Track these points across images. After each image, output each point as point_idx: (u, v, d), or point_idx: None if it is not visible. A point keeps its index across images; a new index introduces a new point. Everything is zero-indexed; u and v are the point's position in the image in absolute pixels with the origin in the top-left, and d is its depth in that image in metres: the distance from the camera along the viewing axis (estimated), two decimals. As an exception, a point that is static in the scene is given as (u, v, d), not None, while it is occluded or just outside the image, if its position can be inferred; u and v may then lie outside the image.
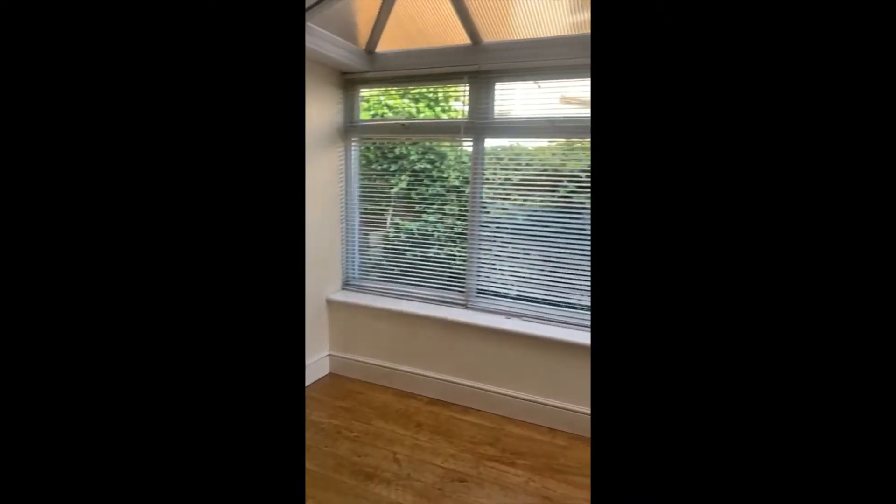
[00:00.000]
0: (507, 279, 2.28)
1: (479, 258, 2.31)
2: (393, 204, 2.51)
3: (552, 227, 2.13)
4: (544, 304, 2.20)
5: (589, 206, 2.06)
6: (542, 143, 2.19)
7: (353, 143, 2.51)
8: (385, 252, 2.57)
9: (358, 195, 2.56)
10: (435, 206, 2.39)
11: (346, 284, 2.64)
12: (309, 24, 1.92)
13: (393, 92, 2.48)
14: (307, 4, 1.81)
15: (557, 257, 2.14)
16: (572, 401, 2.08)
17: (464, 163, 2.30)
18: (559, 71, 2.03)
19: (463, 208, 2.31)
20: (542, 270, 2.19)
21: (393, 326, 2.43)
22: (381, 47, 2.28)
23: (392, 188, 2.49)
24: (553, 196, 2.13)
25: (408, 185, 2.45)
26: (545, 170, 2.15)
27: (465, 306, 2.35)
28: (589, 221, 2.06)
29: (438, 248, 2.42)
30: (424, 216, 2.43)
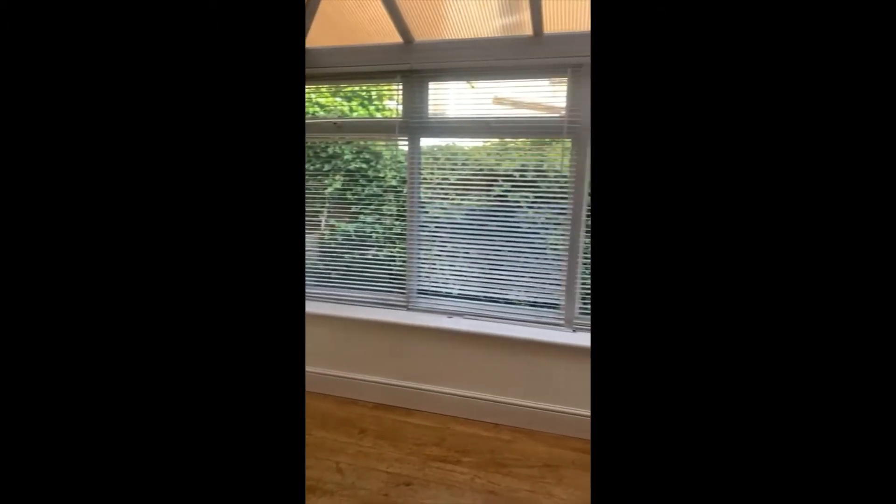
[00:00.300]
0: (448, 278, 2.29)
1: (420, 258, 2.30)
2: (328, 205, 2.42)
3: (489, 225, 2.17)
4: (485, 301, 2.24)
5: (523, 204, 2.12)
6: (478, 143, 2.22)
7: (282, 143, 2.39)
8: (321, 255, 2.48)
9: (290, 197, 2.44)
10: (372, 207, 2.34)
11: (281, 291, 2.51)
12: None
13: (324, 90, 2.39)
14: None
15: (496, 255, 2.18)
16: (515, 395, 2.13)
17: (400, 162, 2.27)
18: (492, 72, 2.07)
19: (401, 208, 2.29)
20: (481, 268, 2.22)
21: (332, 332, 2.35)
22: (311, 43, 2.19)
23: (326, 189, 2.40)
24: (489, 195, 2.17)
25: (343, 185, 2.38)
26: (481, 169, 2.18)
27: (407, 308, 2.33)
28: (523, 219, 2.12)
29: (377, 250, 2.37)
30: (361, 217, 2.37)
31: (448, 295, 2.29)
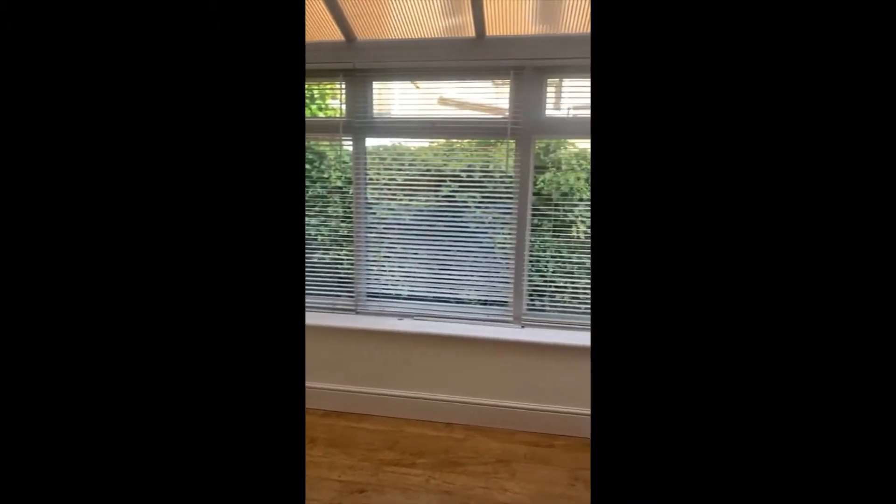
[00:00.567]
0: (398, 280, 2.26)
1: (368, 261, 2.26)
2: (270, 208, 2.32)
3: (438, 225, 2.17)
4: (435, 301, 2.24)
5: (471, 204, 2.14)
6: (424, 143, 2.22)
7: (218, 142, 2.26)
8: (264, 260, 2.36)
9: (228, 199, 2.31)
10: (317, 209, 2.27)
11: (220, 299, 2.37)
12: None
13: (263, 87, 2.29)
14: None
15: (445, 255, 2.19)
16: (467, 393, 2.14)
17: (345, 162, 2.22)
18: (436, 72, 2.07)
19: (347, 210, 2.24)
20: (431, 269, 2.22)
21: (277, 340, 2.25)
22: (246, 37, 2.08)
23: (268, 191, 2.30)
24: (437, 195, 2.17)
25: (285, 187, 2.28)
26: (428, 170, 2.18)
27: (356, 311, 2.28)
28: (471, 219, 2.14)
29: (323, 253, 2.30)
30: (306, 219, 2.30)
31: (398, 297, 2.27)
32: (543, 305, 2.17)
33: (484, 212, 2.13)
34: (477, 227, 2.15)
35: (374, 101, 2.15)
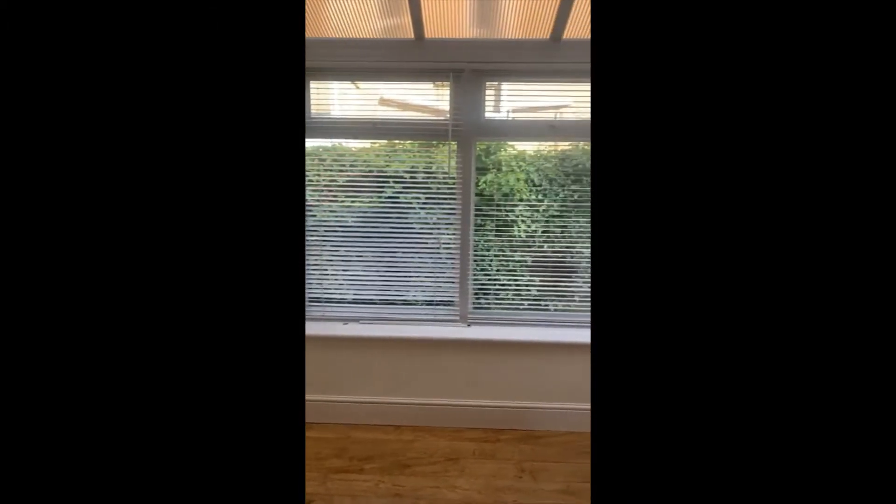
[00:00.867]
0: (342, 284, 2.22)
1: (309, 265, 2.19)
2: (202, 212, 2.19)
3: (382, 227, 2.15)
4: (381, 304, 2.22)
5: (415, 205, 2.14)
6: (366, 144, 2.19)
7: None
8: (197, 267, 2.23)
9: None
10: (254, 212, 2.17)
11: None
12: None
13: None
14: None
15: (390, 257, 2.17)
16: (415, 394, 2.15)
17: (284, 164, 2.14)
18: (376, 73, 2.05)
19: (287, 213, 2.16)
20: (376, 271, 2.19)
21: (214, 351, 2.13)
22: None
23: (199, 194, 2.17)
24: (380, 197, 2.15)
25: (219, 189, 2.16)
26: (370, 171, 2.15)
27: (299, 317, 2.20)
28: (416, 220, 2.14)
29: (262, 258, 2.21)
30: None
31: (342, 301, 2.23)
32: (489, 303, 2.21)
33: (428, 213, 2.14)
34: (422, 228, 2.15)
35: (312, 102, 2.09)
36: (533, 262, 2.17)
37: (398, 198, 2.14)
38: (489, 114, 2.11)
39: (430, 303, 2.21)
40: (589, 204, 2.12)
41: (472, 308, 2.19)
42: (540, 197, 2.14)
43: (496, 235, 2.16)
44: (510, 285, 2.20)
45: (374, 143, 2.17)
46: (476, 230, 2.14)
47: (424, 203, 2.14)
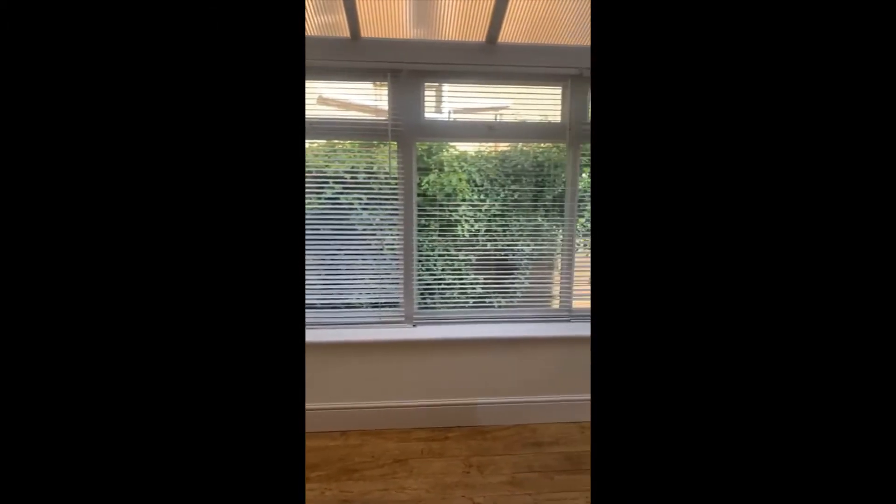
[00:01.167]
0: (282, 288, 2.14)
1: (247, 270, 2.10)
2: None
3: (323, 229, 2.10)
4: (325, 308, 2.17)
5: (357, 206, 2.11)
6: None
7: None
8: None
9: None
10: (184, 216, 2.05)
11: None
12: None
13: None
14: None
15: (333, 259, 2.13)
16: (361, 398, 2.12)
17: (215, 165, 2.03)
18: (312, 71, 2.00)
19: (220, 216, 2.05)
20: (318, 275, 2.14)
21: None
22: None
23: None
24: (320, 198, 2.10)
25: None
26: (310, 171, 2.10)
27: (237, 325, 2.11)
28: (358, 221, 2.11)
29: (195, 264, 2.09)
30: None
31: (284, 306, 2.15)
32: (434, 303, 2.23)
33: (371, 214, 2.12)
34: (365, 230, 2.12)
35: (245, 99, 2.00)
36: (477, 260, 2.21)
37: (339, 199, 2.10)
38: (429, 114, 2.12)
39: (374, 305, 2.19)
40: (527, 203, 2.18)
41: (418, 308, 2.19)
42: (482, 197, 2.18)
43: (440, 235, 2.17)
44: (456, 284, 2.22)
45: (313, 142, 2.12)
46: (420, 230, 2.15)
47: (367, 204, 2.11)
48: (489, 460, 1.90)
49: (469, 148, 2.22)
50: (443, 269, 2.21)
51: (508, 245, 2.21)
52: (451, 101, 2.24)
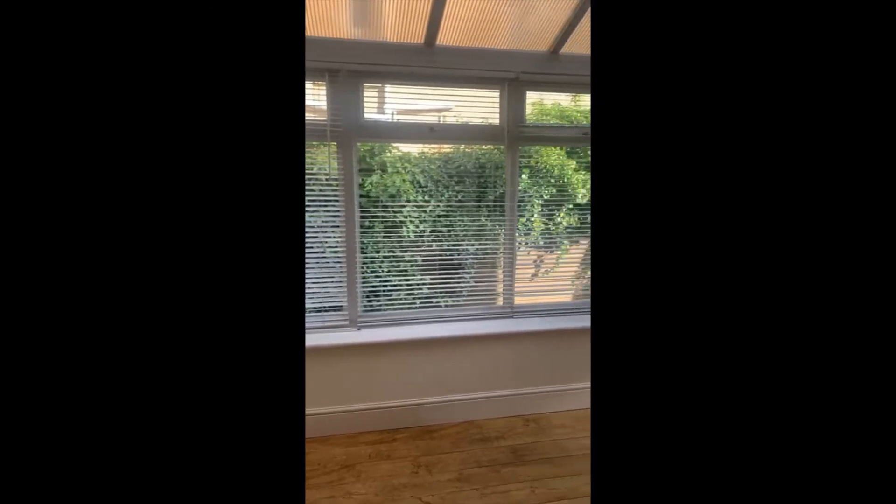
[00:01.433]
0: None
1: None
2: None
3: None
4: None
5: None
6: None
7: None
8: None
9: None
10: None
11: None
12: None
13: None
14: None
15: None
16: (307, 405, 2.07)
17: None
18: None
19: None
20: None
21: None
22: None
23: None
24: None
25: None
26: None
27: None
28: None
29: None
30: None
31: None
32: (380, 305, 2.21)
33: (312, 216, 2.07)
34: (307, 233, 2.07)
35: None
36: (423, 261, 2.22)
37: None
38: (370, 115, 2.11)
39: (317, 309, 2.15)
40: (471, 203, 2.22)
41: (363, 311, 2.17)
42: (426, 198, 2.19)
43: (385, 237, 2.17)
44: (402, 285, 2.22)
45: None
46: (364, 232, 2.13)
47: (308, 206, 2.06)
48: (437, 459, 1.92)
49: (412, 149, 2.22)
50: (388, 271, 2.20)
51: (454, 245, 2.24)
52: (394, 103, 2.24)
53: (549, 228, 2.38)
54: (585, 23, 1.97)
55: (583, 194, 2.37)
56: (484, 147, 2.23)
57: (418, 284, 2.23)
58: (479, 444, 2.02)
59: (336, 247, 2.10)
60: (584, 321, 2.30)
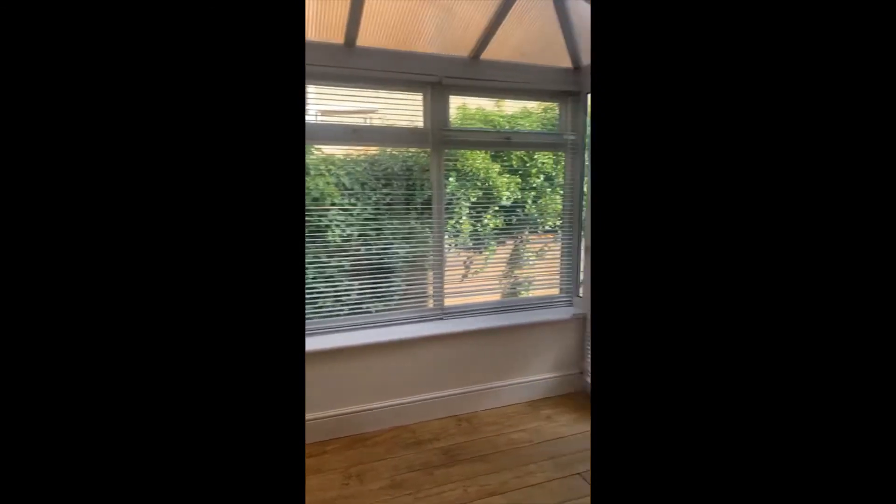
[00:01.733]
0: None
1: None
2: None
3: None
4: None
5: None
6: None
7: None
8: None
9: None
10: None
11: None
12: None
13: None
14: None
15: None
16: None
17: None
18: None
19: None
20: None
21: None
22: None
23: None
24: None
25: None
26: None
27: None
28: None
29: None
30: None
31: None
32: (306, 314, 2.13)
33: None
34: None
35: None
36: (351, 266, 2.17)
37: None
38: (291, 116, 2.02)
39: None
40: (400, 206, 2.21)
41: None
42: (353, 201, 2.14)
43: (310, 242, 2.09)
44: (329, 292, 2.15)
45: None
46: (287, 238, 2.03)
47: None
48: (369, 467, 1.88)
49: (336, 151, 2.17)
50: (314, 278, 2.12)
51: (383, 249, 2.22)
52: (317, 104, 2.17)
53: (477, 230, 2.43)
54: (504, 30, 2.03)
55: (507, 196, 2.45)
56: (411, 150, 2.23)
57: (346, 290, 2.18)
58: (413, 448, 2.02)
59: (256, 254, 1.99)
60: (512, 318, 2.37)
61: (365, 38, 1.96)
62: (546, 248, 2.59)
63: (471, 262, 2.49)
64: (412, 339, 2.17)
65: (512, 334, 2.36)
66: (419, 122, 2.20)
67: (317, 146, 2.11)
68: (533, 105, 2.59)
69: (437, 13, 1.97)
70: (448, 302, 2.36)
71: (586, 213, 2.45)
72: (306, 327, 2.10)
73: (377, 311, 2.24)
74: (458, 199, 2.35)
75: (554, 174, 2.53)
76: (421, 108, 2.19)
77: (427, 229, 2.27)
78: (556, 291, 2.59)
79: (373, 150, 2.22)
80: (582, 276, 2.54)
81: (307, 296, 2.12)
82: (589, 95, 2.36)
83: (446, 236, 2.32)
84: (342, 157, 2.17)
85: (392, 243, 2.22)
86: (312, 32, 1.91)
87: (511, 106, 2.61)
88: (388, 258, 2.23)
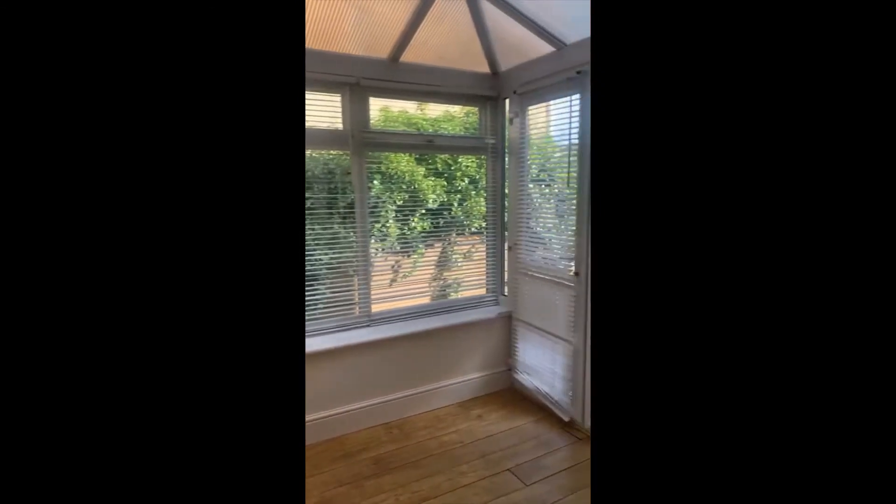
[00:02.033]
0: None
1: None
2: None
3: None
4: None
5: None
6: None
7: None
8: None
9: None
10: None
11: None
12: None
13: None
14: None
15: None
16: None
17: None
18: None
19: None
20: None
21: None
22: None
23: None
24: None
25: None
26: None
27: None
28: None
29: None
30: None
31: None
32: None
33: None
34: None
35: None
36: (270, 274, 2.05)
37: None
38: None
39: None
40: (322, 210, 2.13)
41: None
42: (269, 206, 2.03)
43: (222, 251, 1.94)
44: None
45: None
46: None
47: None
48: (295, 486, 1.79)
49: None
50: (229, 289, 1.98)
51: (306, 255, 2.12)
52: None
53: (404, 233, 2.41)
54: (422, 33, 2.04)
55: (433, 199, 2.45)
56: (332, 152, 2.16)
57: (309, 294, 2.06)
58: (342, 460, 1.95)
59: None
60: (442, 321, 2.38)
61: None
62: (473, 250, 2.64)
63: (399, 266, 2.47)
64: (338, 349, 2.10)
65: (441, 336, 2.36)
66: (339, 124, 2.14)
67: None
68: (456, 109, 2.62)
69: (355, 13, 1.93)
70: (376, 308, 2.31)
71: (508, 215, 2.53)
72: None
73: (301, 321, 2.13)
74: (384, 202, 2.31)
75: (478, 177, 2.58)
76: (340, 109, 2.13)
77: (351, 234, 2.21)
78: (483, 291, 2.64)
79: (291, 153, 2.12)
80: (507, 276, 2.61)
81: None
82: (507, 101, 2.43)
83: (373, 240, 2.28)
84: (257, 160, 2.05)
85: (315, 249, 2.14)
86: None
87: (434, 109, 2.62)
88: (311, 265, 2.14)
